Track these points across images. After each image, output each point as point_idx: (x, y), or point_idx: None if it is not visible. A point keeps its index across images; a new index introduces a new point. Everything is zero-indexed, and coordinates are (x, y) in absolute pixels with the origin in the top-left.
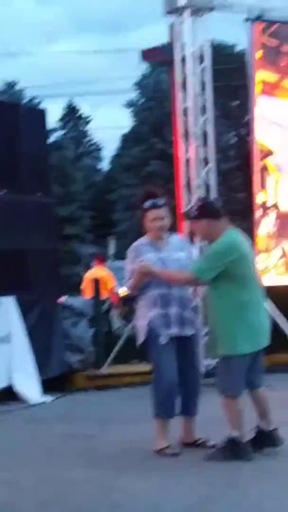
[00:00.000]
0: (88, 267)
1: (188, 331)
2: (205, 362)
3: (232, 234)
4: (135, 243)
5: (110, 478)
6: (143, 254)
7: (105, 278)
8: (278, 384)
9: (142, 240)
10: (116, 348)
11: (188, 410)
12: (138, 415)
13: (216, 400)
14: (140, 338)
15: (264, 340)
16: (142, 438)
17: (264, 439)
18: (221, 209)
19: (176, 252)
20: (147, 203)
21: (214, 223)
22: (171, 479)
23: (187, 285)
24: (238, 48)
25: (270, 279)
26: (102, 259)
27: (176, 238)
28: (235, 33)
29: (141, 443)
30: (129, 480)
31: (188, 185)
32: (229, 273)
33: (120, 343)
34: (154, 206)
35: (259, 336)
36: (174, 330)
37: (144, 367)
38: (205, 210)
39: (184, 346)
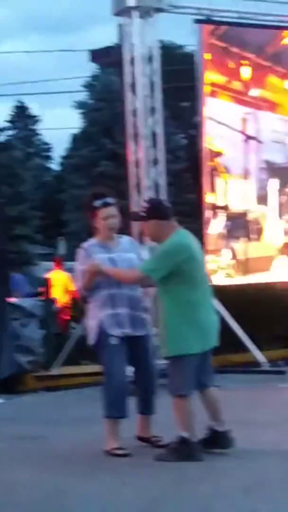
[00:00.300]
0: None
1: (139, 331)
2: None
3: (181, 235)
4: (85, 244)
5: (60, 480)
6: (93, 255)
7: (64, 280)
8: (227, 385)
9: (92, 241)
10: (66, 349)
11: (145, 409)
12: (88, 416)
13: (166, 400)
14: (91, 339)
15: (213, 340)
16: (92, 439)
17: (217, 441)
18: (169, 210)
19: (126, 252)
20: (98, 202)
21: (162, 224)
22: (121, 479)
23: (136, 284)
24: (187, 49)
25: (219, 280)
26: (60, 261)
27: (126, 239)
28: (184, 34)
29: (92, 444)
30: (80, 481)
31: (138, 185)
32: (178, 273)
33: (70, 344)
34: (106, 205)
35: (208, 336)
36: (125, 330)
37: (95, 368)
38: (154, 211)
39: (136, 346)
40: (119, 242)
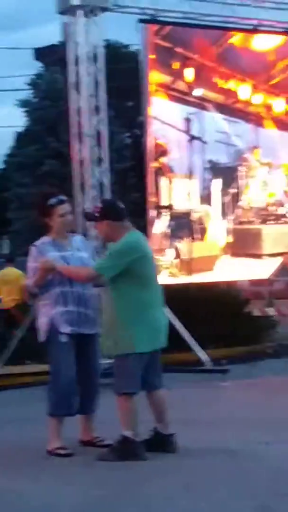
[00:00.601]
0: None
1: (90, 330)
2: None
3: (134, 236)
4: (38, 242)
5: (2, 480)
6: (46, 253)
7: (17, 278)
8: (170, 384)
9: (45, 239)
10: (9, 349)
11: (88, 408)
12: (31, 416)
13: (109, 400)
14: (41, 336)
15: (162, 340)
16: (35, 439)
17: (160, 443)
18: (123, 211)
19: (79, 251)
20: (53, 200)
21: (115, 224)
22: (64, 479)
23: (88, 282)
24: (132, 49)
25: (163, 279)
26: (12, 259)
27: (79, 238)
28: (129, 33)
29: (34, 444)
30: (22, 481)
31: (82, 184)
32: (130, 273)
33: (13, 343)
34: (62, 202)
35: (157, 336)
36: (75, 328)
37: (38, 367)
38: (107, 212)
39: (84, 344)
40: (72, 241)
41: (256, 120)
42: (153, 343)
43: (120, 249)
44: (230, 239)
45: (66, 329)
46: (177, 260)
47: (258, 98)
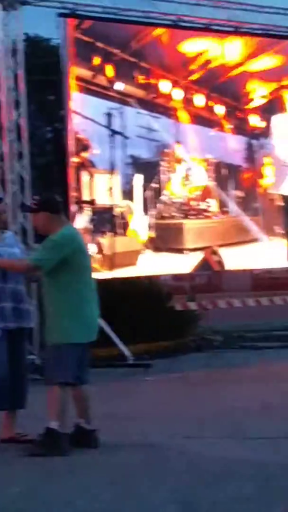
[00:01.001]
0: None
1: (23, 324)
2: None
3: (70, 229)
4: None
5: None
6: None
7: None
8: (93, 379)
9: None
10: None
11: (18, 404)
12: None
13: (36, 395)
14: None
15: (94, 334)
16: None
17: (82, 438)
18: (60, 205)
19: (11, 247)
20: None
21: (52, 217)
22: None
23: (26, 273)
24: (54, 43)
25: None
26: None
27: (10, 234)
28: (50, 27)
29: None
30: None
31: (2, 179)
32: (67, 265)
33: None
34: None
35: (91, 328)
36: (9, 324)
37: None
38: (44, 204)
39: (15, 340)
40: (4, 237)
41: (176, 115)
42: (88, 335)
43: (57, 242)
44: (152, 234)
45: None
46: (99, 255)
47: (178, 94)
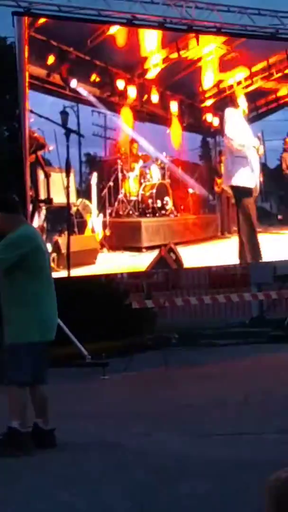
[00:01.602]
0: None
1: None
2: None
3: (28, 228)
4: None
5: None
6: None
7: None
8: (51, 378)
9: None
10: None
11: None
12: None
13: None
14: None
15: (52, 333)
16: None
17: (40, 438)
18: (18, 205)
19: None
20: None
21: (10, 216)
22: None
23: None
24: (9, 41)
25: None
26: None
27: None
28: (5, 26)
29: None
30: None
31: None
32: (25, 265)
33: None
34: None
35: (49, 328)
36: None
37: None
38: (1, 204)
39: None
40: None
41: (132, 113)
42: (45, 334)
43: (15, 241)
44: (109, 232)
45: None
46: (56, 254)
47: (134, 92)
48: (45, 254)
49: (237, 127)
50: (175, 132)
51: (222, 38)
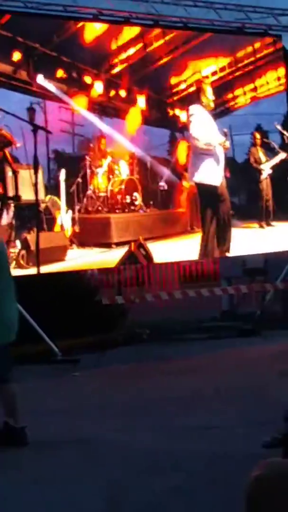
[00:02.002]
0: None
1: None
2: None
3: None
4: None
5: None
6: None
7: None
8: (21, 376)
9: None
10: None
11: None
12: None
13: None
14: None
15: (13, 334)
16: None
17: (11, 437)
18: None
19: None
20: None
21: None
22: None
23: None
24: None
25: (11, 271)
26: None
27: None
28: None
29: None
30: None
31: None
32: None
33: None
34: None
35: (10, 329)
36: None
37: None
38: None
39: None
40: None
41: (99, 109)
42: (6, 335)
43: None
44: (78, 228)
45: None
46: (25, 251)
47: (101, 87)
48: (5, 253)
49: (202, 126)
50: (143, 127)
51: (189, 34)
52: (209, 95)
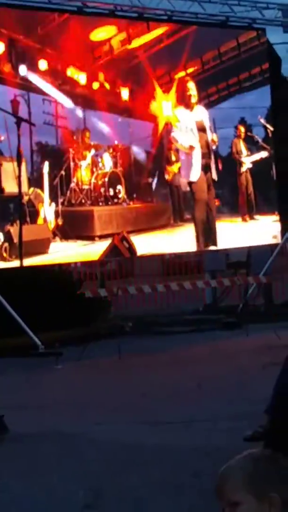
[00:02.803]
0: None
1: None
2: None
3: None
4: None
5: None
6: None
7: None
8: (4, 369)
9: None
10: None
11: None
12: None
13: None
14: None
15: None
16: None
17: None
18: None
19: None
20: None
21: None
22: None
23: None
24: None
25: None
26: None
27: None
28: None
29: None
30: None
31: None
32: None
33: None
34: None
35: None
36: None
37: None
38: None
39: None
40: None
41: (83, 101)
42: None
43: None
44: (61, 221)
45: None
46: (8, 244)
47: (85, 79)
48: None
49: (185, 127)
50: (127, 120)
51: (172, 26)
52: (192, 91)
